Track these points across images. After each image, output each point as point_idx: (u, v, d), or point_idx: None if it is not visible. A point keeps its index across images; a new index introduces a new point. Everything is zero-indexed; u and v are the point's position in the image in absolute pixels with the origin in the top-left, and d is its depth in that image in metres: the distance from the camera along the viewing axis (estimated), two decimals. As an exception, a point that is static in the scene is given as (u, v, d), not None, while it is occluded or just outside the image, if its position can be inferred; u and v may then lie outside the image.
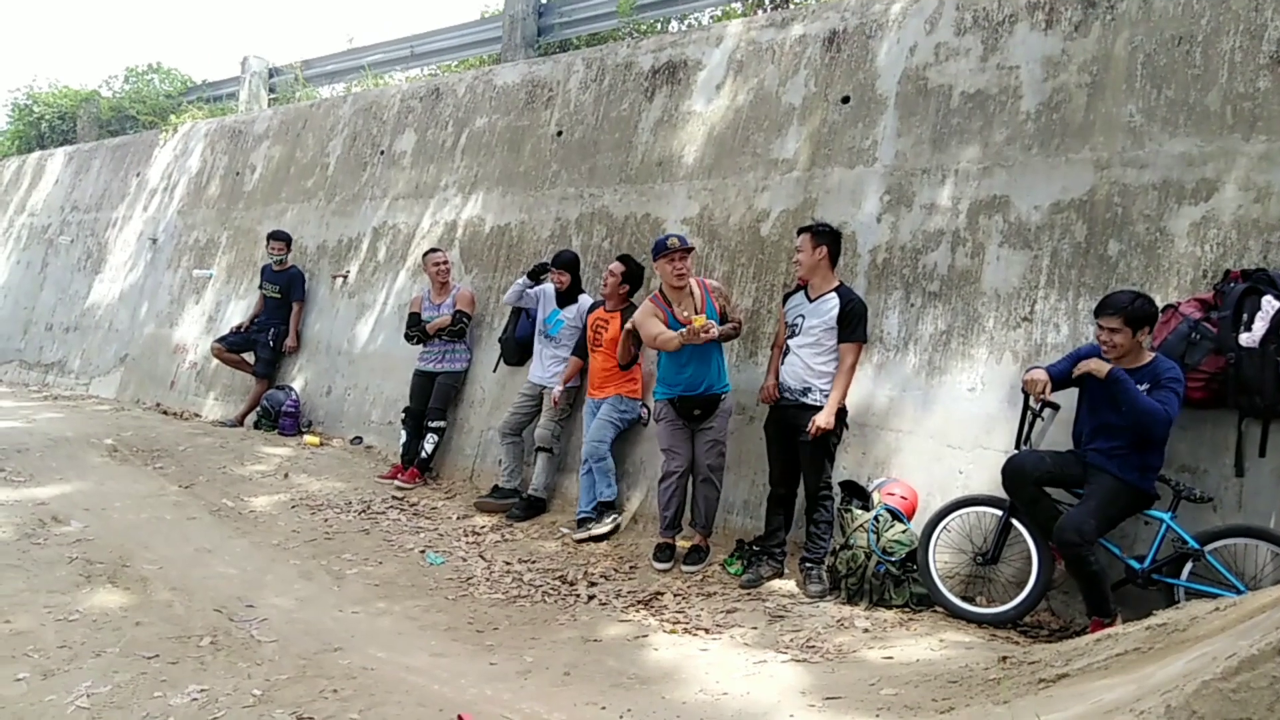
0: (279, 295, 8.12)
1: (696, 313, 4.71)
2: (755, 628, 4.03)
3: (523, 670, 3.57)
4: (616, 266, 5.57)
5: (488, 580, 4.73)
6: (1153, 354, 3.87)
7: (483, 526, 5.59)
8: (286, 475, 6.25)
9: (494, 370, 6.59)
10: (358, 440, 7.35)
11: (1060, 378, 4.01)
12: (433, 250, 6.80)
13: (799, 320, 4.62)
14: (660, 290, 4.94)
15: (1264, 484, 3.79)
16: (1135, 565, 3.80)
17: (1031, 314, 4.52)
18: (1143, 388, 3.79)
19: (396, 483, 6.29)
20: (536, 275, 6.03)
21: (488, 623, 4.15)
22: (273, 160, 9.41)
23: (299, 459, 6.68)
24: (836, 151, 5.39)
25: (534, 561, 5.04)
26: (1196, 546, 3.66)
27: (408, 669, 3.53)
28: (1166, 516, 3.77)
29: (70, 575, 4.22)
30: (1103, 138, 4.50)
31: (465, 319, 6.63)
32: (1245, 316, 3.76)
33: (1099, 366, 3.82)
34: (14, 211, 13.42)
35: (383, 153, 8.23)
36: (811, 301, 4.64)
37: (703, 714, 3.08)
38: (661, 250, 4.76)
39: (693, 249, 4.85)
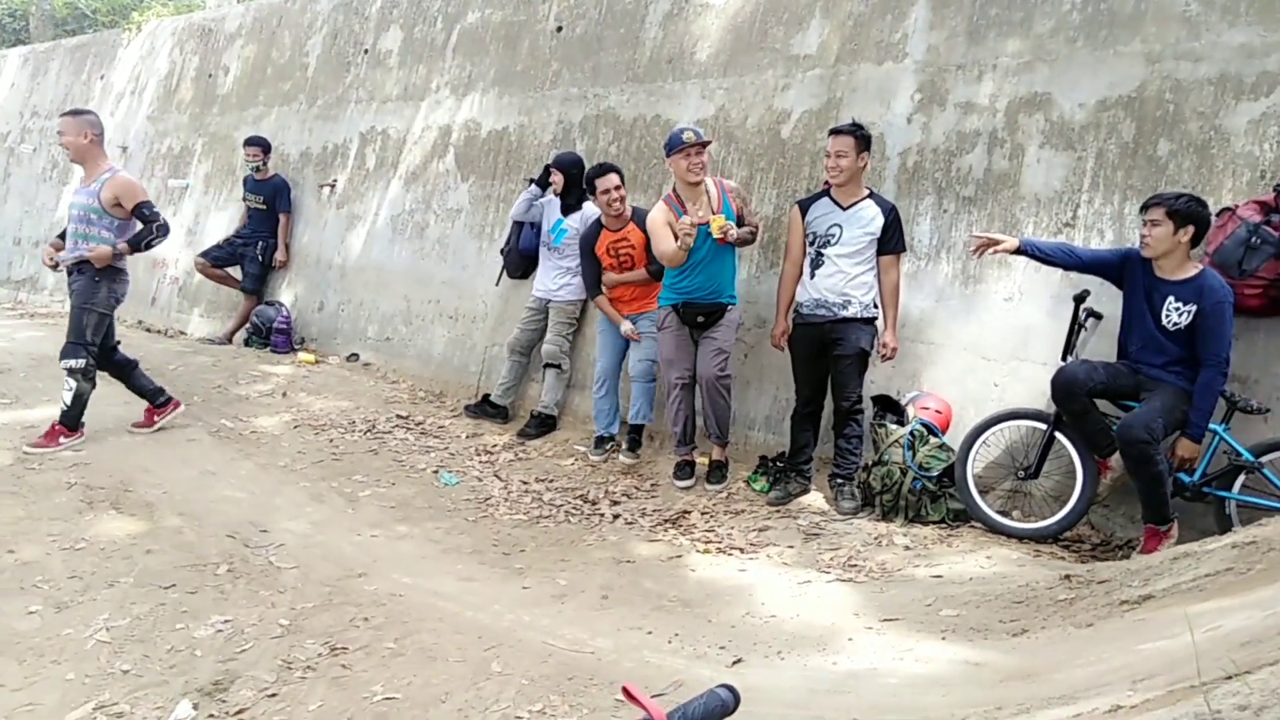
0: (264, 206, 7.71)
1: (713, 213, 4.44)
2: (791, 546, 3.92)
3: (557, 594, 3.45)
4: (612, 180, 5.03)
5: (506, 500, 4.58)
6: (1199, 268, 3.68)
7: (494, 445, 5.42)
8: (285, 394, 6.02)
9: (496, 284, 6.31)
10: (354, 357, 7.11)
11: (1100, 266, 3.89)
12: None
13: (835, 230, 4.37)
14: (674, 190, 4.67)
15: (1318, 394, 3.68)
16: (1185, 478, 3.70)
17: (1074, 219, 4.31)
18: (1187, 308, 3.62)
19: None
20: (545, 181, 5.69)
21: (513, 544, 4.02)
22: (247, 61, 8.85)
23: (296, 378, 6.44)
24: (863, 46, 5.05)
25: (552, 480, 4.90)
26: (1252, 459, 3.55)
27: (437, 595, 3.39)
28: (1220, 428, 3.65)
29: (71, 502, 4.02)
30: (1155, 28, 4.21)
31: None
32: (1310, 219, 3.58)
33: (1190, 452, 3.64)
34: (-31, 119, 12.69)
35: (366, 51, 7.73)
36: (845, 210, 4.40)
37: (755, 638, 2.97)
38: (677, 145, 4.46)
39: (709, 142, 4.55)
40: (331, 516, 4.21)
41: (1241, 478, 3.62)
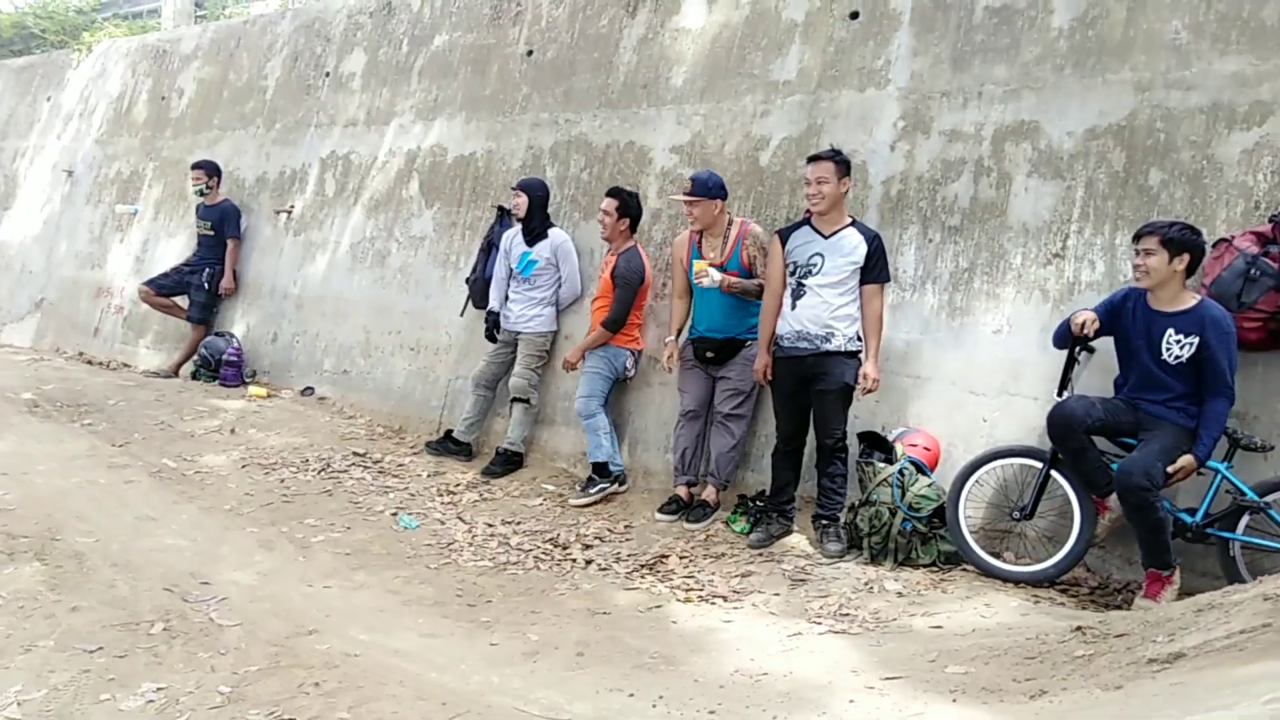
0: (212, 232, 7.39)
1: (720, 256, 4.60)
2: (777, 594, 3.68)
3: (529, 652, 3.16)
4: (609, 203, 5.07)
5: (471, 545, 4.29)
6: (1198, 298, 3.55)
7: (458, 485, 5.12)
8: (233, 431, 5.67)
9: (461, 314, 6.05)
10: (309, 391, 6.77)
11: (1111, 314, 3.71)
12: None
13: (816, 259, 4.19)
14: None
15: (1320, 430, 3.55)
16: (1186, 519, 3.53)
17: (1064, 250, 4.18)
18: (1189, 340, 3.48)
19: None
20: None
21: (479, 595, 3.72)
22: (203, 83, 8.54)
23: (246, 413, 6.09)
24: (845, 73, 4.93)
25: (519, 523, 4.61)
26: (1256, 499, 3.40)
27: (397, 654, 3.09)
28: (1222, 467, 3.50)
29: (-11, 553, 3.65)
30: (1144, 56, 4.12)
31: None
32: (1310, 251, 3.46)
33: (1191, 470, 3.47)
34: (-93, 141, 12.16)
35: (328, 75, 7.48)
36: (827, 238, 4.22)
37: (746, 700, 2.72)
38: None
39: (705, 197, 4.57)
40: (281, 565, 3.89)
41: (1246, 518, 3.46)
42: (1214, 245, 3.70)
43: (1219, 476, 3.50)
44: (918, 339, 4.47)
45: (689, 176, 4.69)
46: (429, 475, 5.24)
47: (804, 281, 4.24)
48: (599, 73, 5.86)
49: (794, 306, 4.26)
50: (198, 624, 3.20)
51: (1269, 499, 3.42)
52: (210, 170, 7.36)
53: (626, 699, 2.76)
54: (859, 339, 4.24)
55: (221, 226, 7.36)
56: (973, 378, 4.29)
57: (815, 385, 4.18)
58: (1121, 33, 4.18)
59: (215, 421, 5.82)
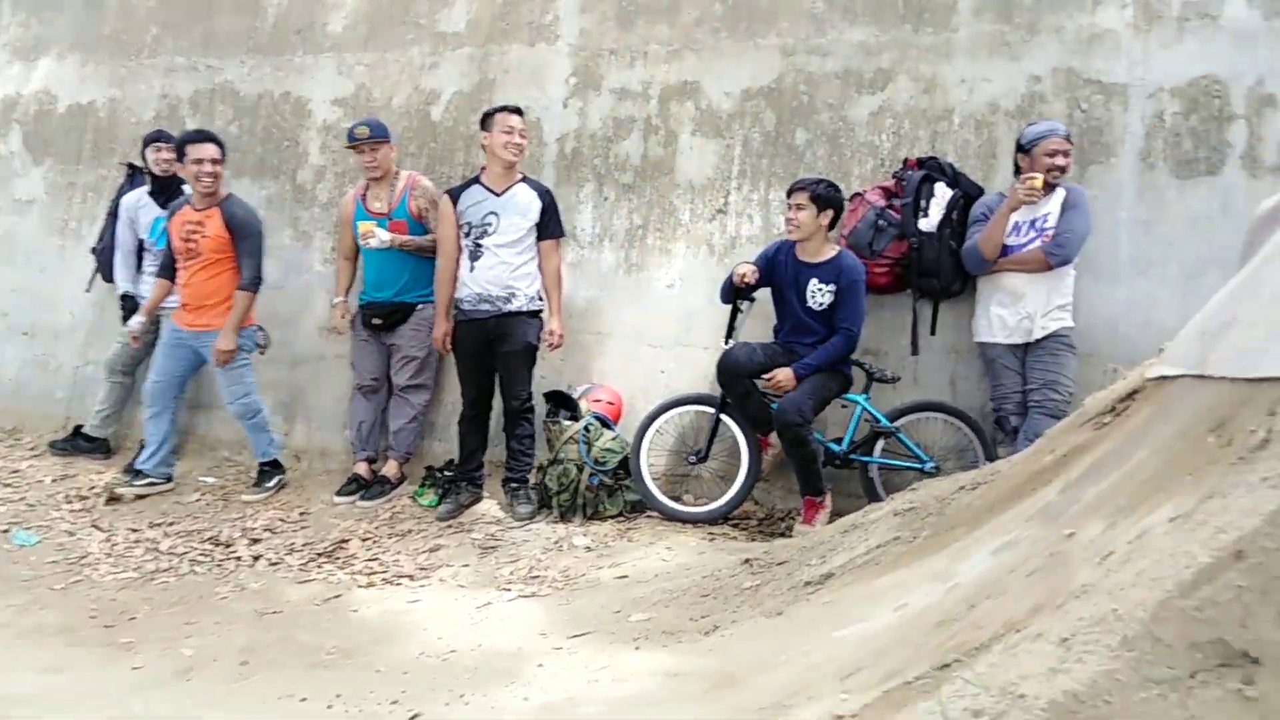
0: None
1: (386, 205, 4.35)
2: (466, 565, 3.55)
3: (181, 670, 2.76)
4: (209, 149, 4.21)
5: (109, 557, 3.70)
6: (837, 249, 3.90)
7: (92, 488, 4.40)
8: None
9: (87, 290, 5.20)
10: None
11: (769, 267, 3.95)
12: None
13: (491, 219, 4.06)
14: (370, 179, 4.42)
15: (935, 361, 4.05)
16: (834, 448, 3.89)
17: (726, 205, 4.40)
18: (828, 287, 3.81)
19: None
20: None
21: (119, 613, 3.21)
22: None
23: None
24: (514, 26, 4.79)
25: (171, 524, 4.07)
26: (889, 425, 3.82)
27: (10, 700, 2.56)
28: (862, 399, 3.89)
29: None
30: (788, 23, 4.41)
31: None
32: (923, 203, 3.92)
33: (785, 380, 3.72)
34: None
35: (-116, -1, 6.01)
36: (499, 195, 4.10)
37: (432, 681, 2.56)
38: (351, 141, 4.30)
39: (385, 140, 4.34)
40: None
41: (881, 443, 3.89)
42: (850, 199, 4.08)
43: (860, 408, 3.89)
44: (598, 295, 4.51)
45: (354, 128, 4.31)
46: (54, 480, 4.46)
47: (480, 242, 4.09)
48: (244, 14, 5.23)
49: (472, 269, 4.10)
50: None
51: (899, 424, 3.86)
52: None
53: (298, 704, 2.49)
54: (540, 298, 4.19)
55: None
56: (650, 331, 4.42)
57: (499, 347, 4.08)
58: (768, 1, 4.44)
59: None
